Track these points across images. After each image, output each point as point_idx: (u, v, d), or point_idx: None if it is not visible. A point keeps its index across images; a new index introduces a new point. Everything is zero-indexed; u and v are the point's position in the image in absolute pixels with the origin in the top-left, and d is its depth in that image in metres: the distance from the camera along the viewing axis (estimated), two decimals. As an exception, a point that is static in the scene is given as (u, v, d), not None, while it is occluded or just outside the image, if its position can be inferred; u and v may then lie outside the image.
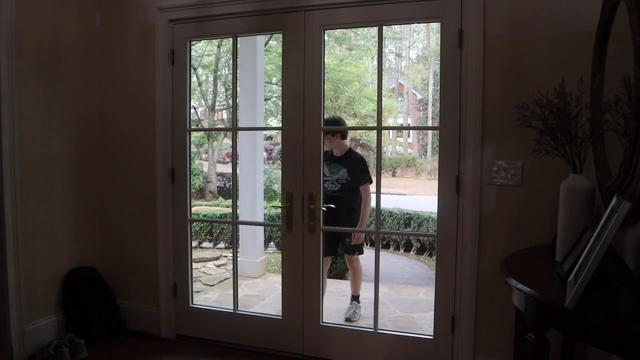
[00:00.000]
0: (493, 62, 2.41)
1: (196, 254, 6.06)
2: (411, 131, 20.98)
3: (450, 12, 2.45)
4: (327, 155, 3.68)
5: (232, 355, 2.91)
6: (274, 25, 2.82)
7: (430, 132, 17.99)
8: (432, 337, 2.64)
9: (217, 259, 6.07)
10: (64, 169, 3.02)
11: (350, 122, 15.03)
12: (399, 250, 7.28)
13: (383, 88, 2.79)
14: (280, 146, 2.85)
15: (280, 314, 2.92)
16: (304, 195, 2.76)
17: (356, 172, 3.63)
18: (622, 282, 1.47)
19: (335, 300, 4.38)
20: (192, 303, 3.14)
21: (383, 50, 2.77)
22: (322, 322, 2.82)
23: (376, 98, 2.55)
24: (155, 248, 3.09)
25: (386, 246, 7.36)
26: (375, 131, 2.78)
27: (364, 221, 3.63)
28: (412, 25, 21.04)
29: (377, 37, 2.68)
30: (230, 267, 5.54)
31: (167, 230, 3.07)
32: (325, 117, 3.30)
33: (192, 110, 8.74)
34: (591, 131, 1.94)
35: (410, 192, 13.29)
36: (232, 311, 3.05)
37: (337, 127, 3.58)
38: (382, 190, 2.78)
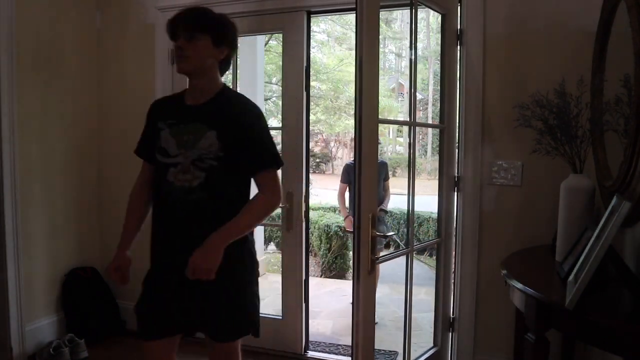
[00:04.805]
0: (493, 61, 2.41)
1: (196, 254, 6.05)
2: (408, 132, 20.87)
3: (452, 9, 2.44)
4: (172, 103, 1.76)
5: (232, 355, 2.90)
6: (274, 25, 2.82)
7: (430, 132, 17.99)
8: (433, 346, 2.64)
9: (217, 259, 6.06)
10: (63, 169, 3.02)
11: (350, 121, 15.02)
12: (400, 249, 7.28)
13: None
14: (280, 146, 2.84)
15: (281, 314, 2.92)
16: (304, 196, 2.76)
17: (236, 140, 1.57)
18: (622, 282, 1.47)
19: (336, 301, 4.38)
20: (192, 303, 3.13)
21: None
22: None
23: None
24: (155, 248, 3.08)
25: (386, 246, 7.34)
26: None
27: (227, 233, 1.54)
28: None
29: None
30: (230, 267, 5.53)
31: (167, 230, 3.06)
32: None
33: (192, 110, 8.69)
34: (591, 131, 1.94)
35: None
36: (232, 311, 3.04)
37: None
38: (382, 190, 2.77)
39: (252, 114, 1.64)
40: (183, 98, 1.70)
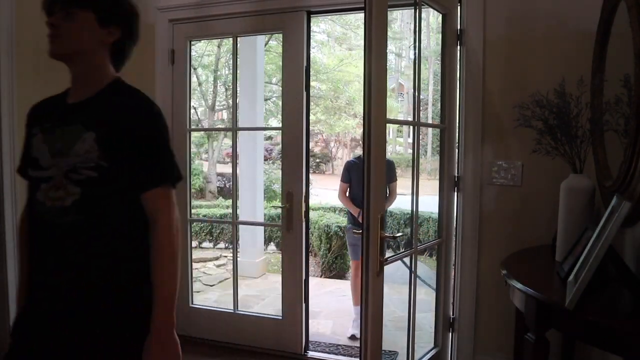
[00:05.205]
0: (493, 61, 2.41)
1: (196, 254, 6.05)
2: (411, 132, 20.84)
3: (452, 9, 2.44)
4: (51, 102, 1.38)
5: (232, 355, 2.90)
6: (274, 25, 2.82)
7: (430, 132, 18.00)
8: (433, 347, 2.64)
9: (217, 259, 6.08)
10: (64, 169, 3.02)
11: (350, 122, 15.04)
12: (400, 249, 7.28)
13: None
14: (280, 146, 2.84)
15: (281, 314, 2.93)
16: (303, 196, 2.76)
17: (120, 144, 1.20)
18: (622, 282, 1.47)
19: (335, 301, 4.38)
20: (192, 303, 3.14)
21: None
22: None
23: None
24: (155, 248, 3.08)
25: (387, 246, 7.36)
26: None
27: (168, 321, 1.35)
28: (411, 25, 20.97)
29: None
30: (230, 267, 5.54)
31: (167, 230, 3.06)
32: None
33: (192, 110, 8.74)
34: (591, 131, 1.94)
35: (410, 192, 13.28)
36: (232, 311, 3.04)
37: None
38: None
39: (144, 112, 1.24)
40: (66, 96, 1.31)
